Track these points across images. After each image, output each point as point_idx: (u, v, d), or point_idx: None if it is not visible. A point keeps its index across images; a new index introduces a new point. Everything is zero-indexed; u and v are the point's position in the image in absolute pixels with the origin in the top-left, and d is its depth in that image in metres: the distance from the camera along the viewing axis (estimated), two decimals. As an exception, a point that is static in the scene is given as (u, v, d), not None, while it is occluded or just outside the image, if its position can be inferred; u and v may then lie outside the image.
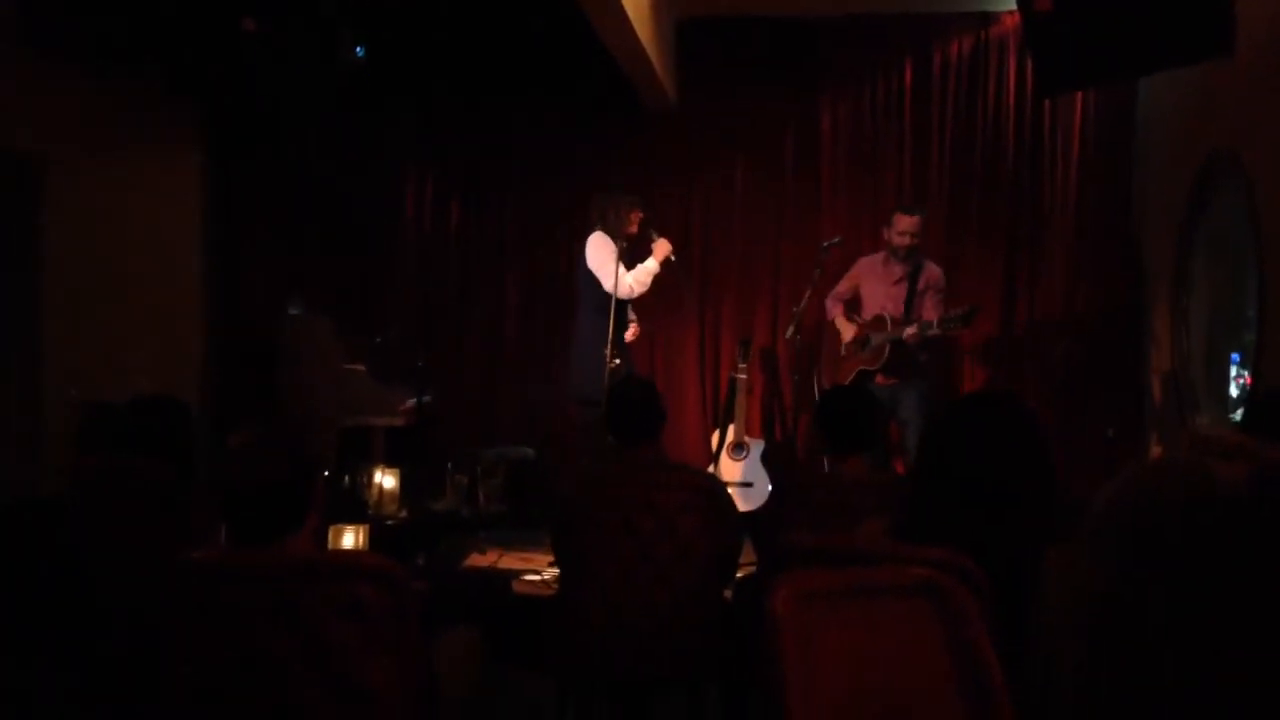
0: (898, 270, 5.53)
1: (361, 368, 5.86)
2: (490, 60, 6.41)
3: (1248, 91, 4.43)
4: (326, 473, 4.56)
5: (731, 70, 6.51)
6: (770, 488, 5.67)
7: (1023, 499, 1.98)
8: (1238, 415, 4.81)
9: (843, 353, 5.61)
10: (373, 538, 3.65)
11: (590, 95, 6.40)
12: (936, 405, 5.35)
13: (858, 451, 3.24)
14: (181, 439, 3.37)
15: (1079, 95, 6.07)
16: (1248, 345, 4.77)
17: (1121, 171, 6.12)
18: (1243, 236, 4.56)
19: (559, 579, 3.24)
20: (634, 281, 5.17)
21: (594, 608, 2.99)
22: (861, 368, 5.48)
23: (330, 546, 3.44)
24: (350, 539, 3.53)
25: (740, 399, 5.99)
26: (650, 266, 5.23)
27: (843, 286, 5.78)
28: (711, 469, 5.84)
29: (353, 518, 3.84)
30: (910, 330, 5.23)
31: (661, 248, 5.24)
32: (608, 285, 5.07)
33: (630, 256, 5.23)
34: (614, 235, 5.14)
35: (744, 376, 6.04)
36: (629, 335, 5.34)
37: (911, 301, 5.44)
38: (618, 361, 5.03)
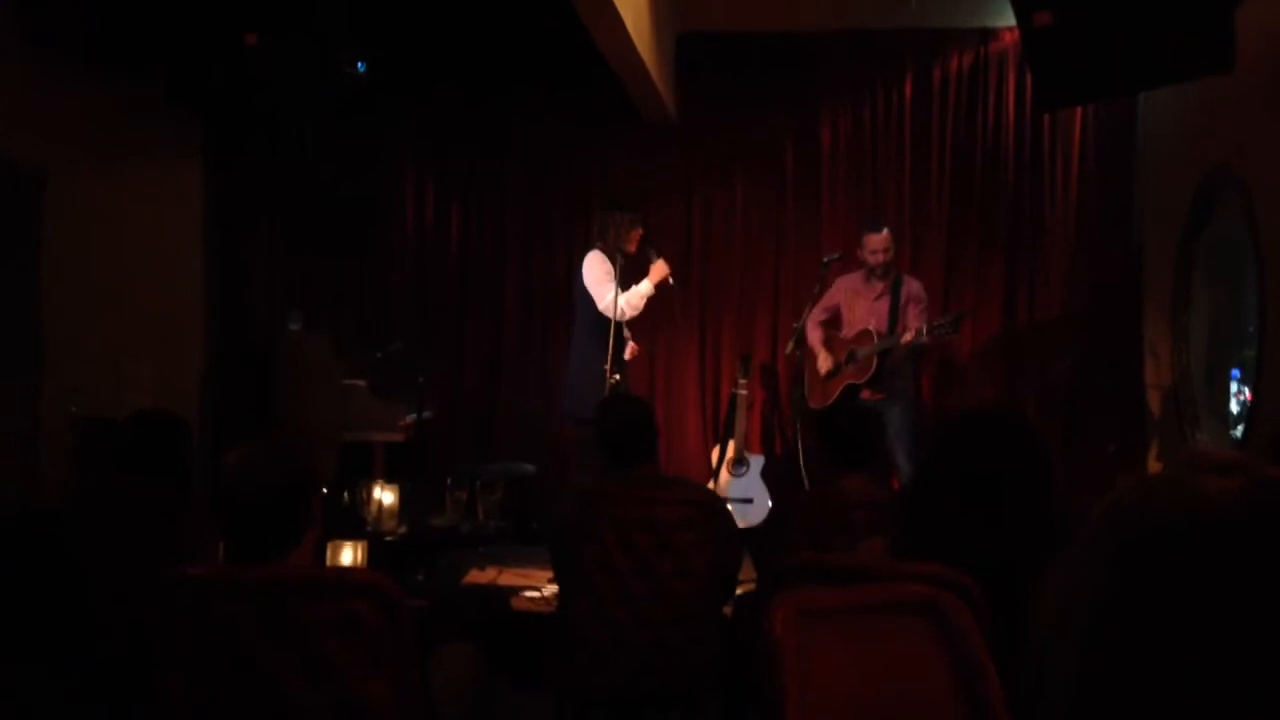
0: (879, 286, 5.55)
1: (362, 383, 5.86)
2: (491, 73, 6.42)
3: (1248, 107, 4.43)
4: (325, 488, 4.55)
5: (732, 84, 6.50)
6: (770, 503, 5.65)
7: (1023, 516, 1.97)
8: (1238, 431, 4.80)
9: (822, 375, 5.60)
10: (372, 554, 3.65)
11: (591, 108, 6.40)
12: (937, 421, 5.35)
13: (859, 468, 3.24)
14: (180, 456, 3.37)
15: (1079, 110, 6.07)
16: (1248, 361, 4.77)
17: (1121, 186, 6.11)
18: (1243, 251, 4.56)
19: (558, 595, 3.23)
20: (625, 304, 5.09)
21: (592, 624, 2.98)
22: (849, 382, 5.47)
23: (329, 562, 3.44)
24: (349, 555, 3.53)
25: (740, 414, 5.97)
26: (644, 289, 5.17)
27: (821, 307, 5.73)
28: (711, 484, 5.82)
29: (351, 533, 3.85)
30: (907, 335, 5.24)
31: (658, 270, 5.19)
32: (601, 306, 5.05)
33: (628, 275, 5.19)
34: (612, 253, 5.11)
35: (744, 392, 6.02)
36: (627, 354, 5.30)
37: (895, 315, 5.46)
38: (617, 378, 5.01)
